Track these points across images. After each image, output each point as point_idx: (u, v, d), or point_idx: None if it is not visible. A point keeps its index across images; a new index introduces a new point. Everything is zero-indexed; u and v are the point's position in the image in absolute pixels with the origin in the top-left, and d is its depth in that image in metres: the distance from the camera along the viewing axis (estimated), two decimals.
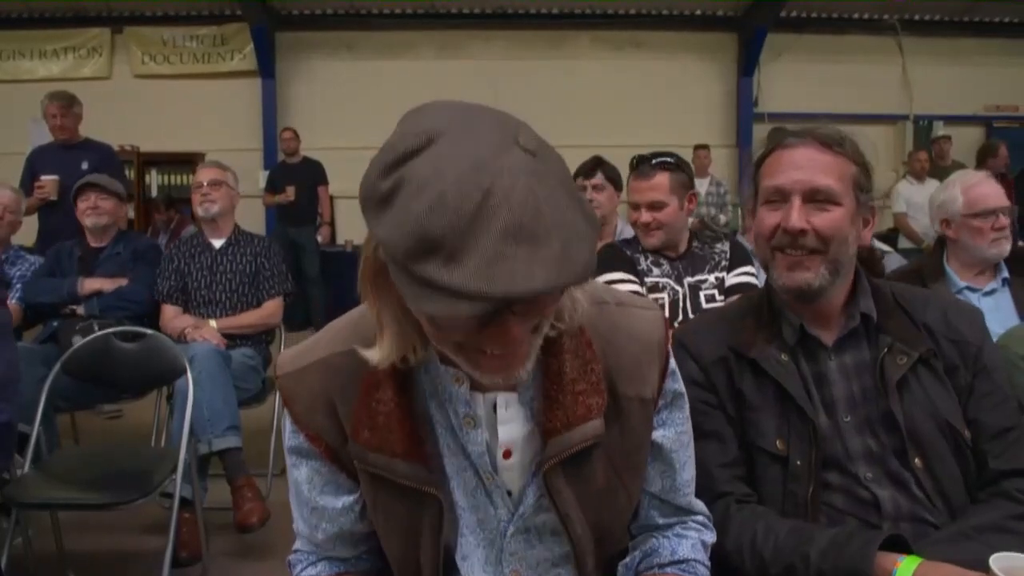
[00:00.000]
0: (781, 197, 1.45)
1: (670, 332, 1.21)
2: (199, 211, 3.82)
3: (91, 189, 3.86)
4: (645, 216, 2.71)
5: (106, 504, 2.46)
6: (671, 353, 1.19)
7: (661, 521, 1.25)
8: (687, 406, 1.24)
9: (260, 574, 3.06)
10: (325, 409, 1.11)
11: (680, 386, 1.22)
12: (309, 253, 8.38)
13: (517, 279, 0.80)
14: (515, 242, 0.80)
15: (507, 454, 1.11)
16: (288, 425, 1.15)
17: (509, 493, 1.14)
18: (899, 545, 1.26)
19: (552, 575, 1.19)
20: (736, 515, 1.39)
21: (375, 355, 1.02)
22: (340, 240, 9.31)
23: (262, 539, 3.18)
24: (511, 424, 1.10)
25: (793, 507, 1.41)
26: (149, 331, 2.93)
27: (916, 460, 1.39)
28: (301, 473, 1.17)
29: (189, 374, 2.84)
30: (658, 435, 1.18)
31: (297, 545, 1.27)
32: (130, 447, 3.56)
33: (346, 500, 1.16)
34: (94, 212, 3.83)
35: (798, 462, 1.41)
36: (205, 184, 3.79)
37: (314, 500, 1.17)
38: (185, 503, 2.91)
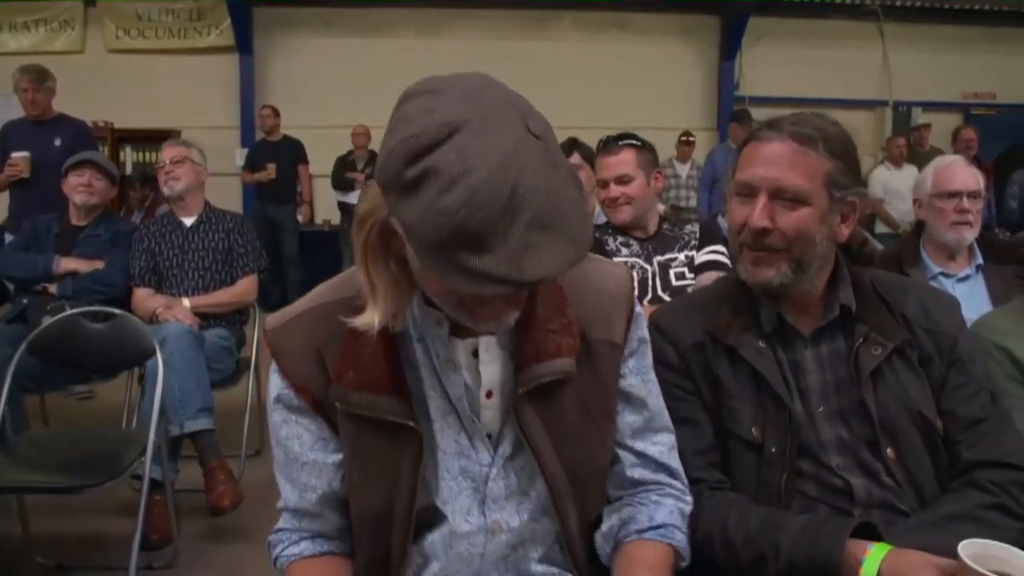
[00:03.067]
0: (750, 192, 1.43)
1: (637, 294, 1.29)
2: (164, 190, 3.77)
3: (88, 166, 3.78)
4: (614, 190, 2.73)
5: (74, 487, 2.42)
6: (636, 303, 1.27)
7: (638, 476, 1.28)
8: (650, 354, 1.31)
9: (233, 557, 3.03)
10: (313, 358, 1.15)
11: (644, 333, 1.29)
12: (288, 232, 8.34)
13: (544, 266, 0.89)
14: (540, 231, 0.88)
15: (489, 394, 1.17)
16: (275, 379, 1.19)
17: (489, 436, 1.18)
18: (870, 532, 1.26)
19: (534, 529, 1.22)
20: (707, 502, 1.37)
21: (367, 319, 1.06)
22: (319, 220, 9.24)
23: (235, 522, 3.15)
24: (492, 366, 1.17)
25: (767, 494, 1.40)
26: (118, 311, 2.88)
27: (888, 450, 1.38)
28: (291, 430, 1.19)
29: (159, 355, 2.79)
30: (626, 383, 1.25)
31: (280, 524, 1.27)
32: (99, 429, 3.52)
33: (335, 457, 1.19)
34: (87, 190, 3.75)
35: (773, 450, 1.40)
36: (168, 162, 3.73)
37: (305, 455, 1.19)
38: (156, 486, 2.88)
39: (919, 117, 9.66)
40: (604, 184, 2.76)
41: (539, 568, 1.24)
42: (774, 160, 1.40)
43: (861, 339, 1.43)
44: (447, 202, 0.86)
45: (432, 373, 1.16)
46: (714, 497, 1.38)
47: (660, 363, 1.47)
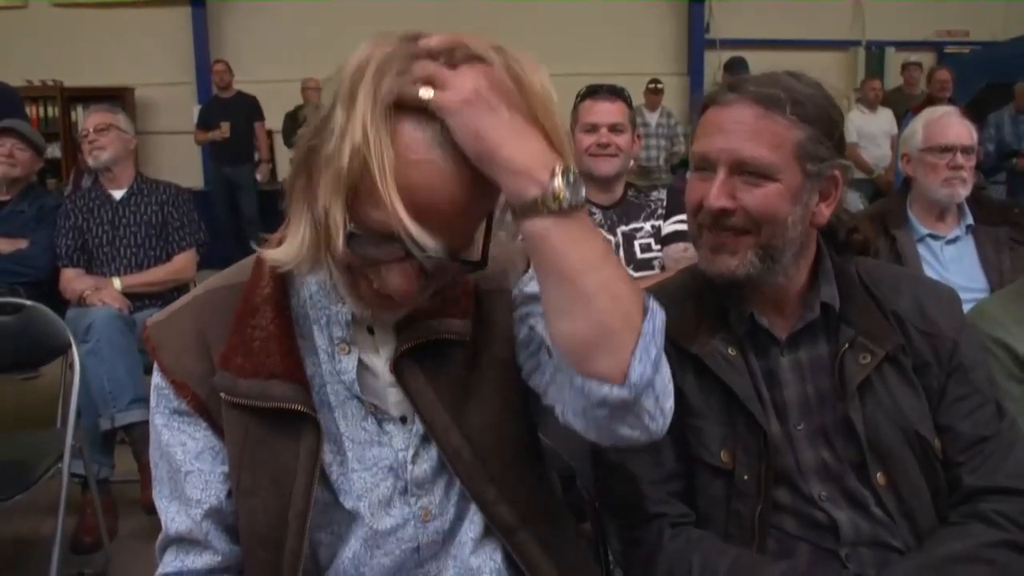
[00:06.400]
0: (708, 166, 1.21)
1: None
2: (89, 161, 3.48)
3: (9, 135, 3.52)
4: (606, 136, 2.54)
5: None
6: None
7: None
8: None
9: None
10: (197, 348, 1.04)
11: None
12: (246, 192, 8.07)
13: None
14: None
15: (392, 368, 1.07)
16: (155, 379, 1.06)
17: (403, 420, 1.07)
18: None
19: (467, 508, 1.09)
20: (669, 544, 1.18)
21: (281, 254, 0.96)
22: (280, 177, 8.91)
23: None
24: (390, 340, 1.06)
25: (738, 529, 1.20)
26: (28, 302, 2.61)
27: (878, 475, 1.19)
28: (173, 436, 1.05)
29: (75, 350, 2.53)
30: (534, 322, 1.08)
31: (161, 568, 1.07)
32: (17, 433, 3.23)
33: (222, 469, 1.05)
34: (7, 161, 3.49)
35: (745, 477, 1.20)
36: (91, 131, 3.44)
37: (188, 464, 1.05)
38: (87, 484, 2.68)
39: (892, 57, 9.43)
40: (593, 129, 2.56)
41: (475, 560, 1.10)
42: (733, 128, 1.18)
43: (847, 345, 1.22)
44: None
45: (329, 357, 1.06)
46: (677, 537, 1.19)
47: None
